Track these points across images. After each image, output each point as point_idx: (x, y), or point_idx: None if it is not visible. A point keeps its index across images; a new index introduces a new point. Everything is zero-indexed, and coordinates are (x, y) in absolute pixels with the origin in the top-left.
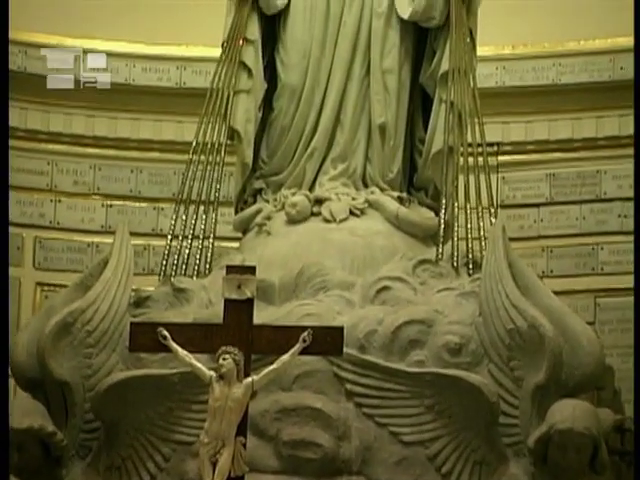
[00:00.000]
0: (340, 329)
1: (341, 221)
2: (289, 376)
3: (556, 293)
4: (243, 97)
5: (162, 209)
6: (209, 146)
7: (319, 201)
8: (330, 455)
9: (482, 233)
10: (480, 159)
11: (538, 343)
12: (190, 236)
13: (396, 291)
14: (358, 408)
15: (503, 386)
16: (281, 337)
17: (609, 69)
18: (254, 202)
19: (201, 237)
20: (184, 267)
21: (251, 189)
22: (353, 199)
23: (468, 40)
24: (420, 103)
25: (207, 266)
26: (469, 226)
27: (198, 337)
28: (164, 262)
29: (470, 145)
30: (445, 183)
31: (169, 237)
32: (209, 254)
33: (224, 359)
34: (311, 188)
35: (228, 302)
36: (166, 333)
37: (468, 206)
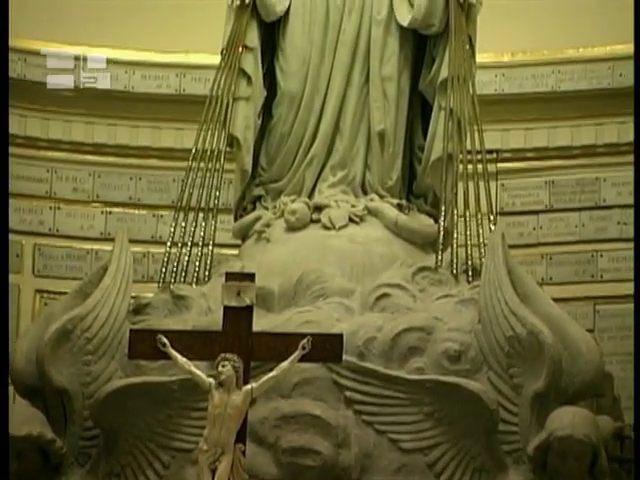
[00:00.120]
0: (339, 336)
1: (340, 228)
2: (288, 383)
3: (555, 300)
4: (242, 104)
5: (161, 216)
6: (208, 153)
7: (318, 208)
8: (329, 462)
9: (481, 240)
10: (479, 166)
11: (537, 350)
12: (189, 243)
13: (395, 298)
14: (357, 415)
15: (502, 393)
16: (280, 344)
17: (608, 76)
18: (253, 209)
19: (200, 244)
20: (183, 274)
21: (250, 196)
22: (352, 206)
23: (467, 47)
24: (419, 110)
25: (206, 273)
26: (468, 233)
27: (197, 344)
28: (163, 269)
29: (469, 152)
30: (444, 190)
31: (168, 244)
32: (208, 261)
33: (223, 366)
34: (310, 195)
35: (227, 309)
36: (165, 340)
37: (467, 213)
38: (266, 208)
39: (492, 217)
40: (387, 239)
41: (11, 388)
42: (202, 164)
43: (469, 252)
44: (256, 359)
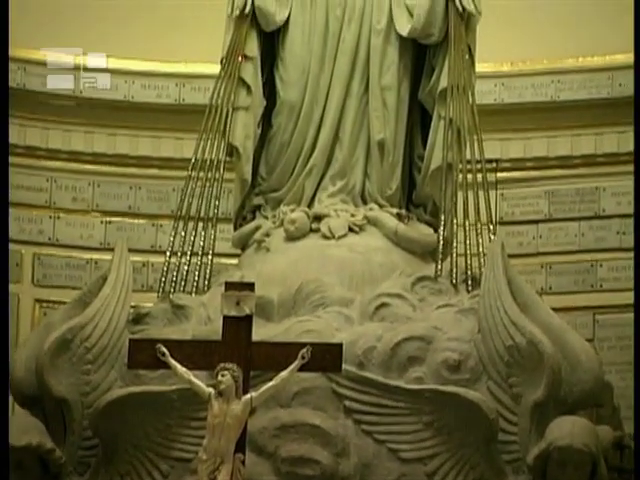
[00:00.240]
0: (339, 346)
1: (340, 237)
2: (288, 393)
3: (555, 310)
4: (242, 114)
5: (161, 226)
6: (208, 163)
7: (318, 217)
8: (329, 472)
9: (481, 250)
10: (479, 176)
11: (537, 360)
12: (189, 253)
13: (395, 308)
14: (357, 425)
15: (502, 403)
16: (280, 354)
17: (608, 86)
18: (253, 218)
19: (200, 254)
20: (183, 284)
21: (250, 205)
22: (352, 215)
23: (467, 57)
24: (419, 119)
25: (206, 283)
26: (468, 243)
27: (197, 354)
28: (163, 279)
29: (469, 162)
30: (444, 200)
31: (168, 254)
32: (208, 271)
33: (223, 376)
34: (310, 204)
35: (227, 319)
36: (165, 350)
37: (467, 223)
38: (266, 217)
39: (492, 227)
40: (387, 248)
41: (11, 398)
42: (202, 174)
43: (469, 261)
44: (255, 368)
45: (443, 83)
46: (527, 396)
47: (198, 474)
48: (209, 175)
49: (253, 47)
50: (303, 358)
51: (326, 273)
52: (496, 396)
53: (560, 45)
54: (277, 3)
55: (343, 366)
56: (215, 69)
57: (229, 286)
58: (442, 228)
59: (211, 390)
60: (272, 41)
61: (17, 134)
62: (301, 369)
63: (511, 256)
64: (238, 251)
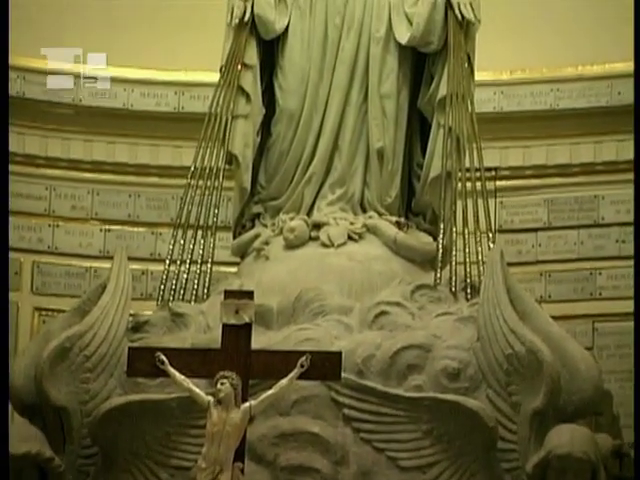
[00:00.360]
0: (338, 354)
1: (339, 246)
2: (287, 401)
3: (554, 318)
4: (241, 122)
5: (160, 234)
6: (207, 171)
7: (317, 226)
8: None
9: (480, 258)
10: (478, 184)
11: (536, 368)
12: (188, 261)
13: (394, 316)
14: (356, 433)
15: (501, 411)
16: (279, 362)
17: (607, 94)
18: (252, 227)
19: (199, 262)
20: (182, 292)
21: (249, 214)
22: (351, 224)
23: (466, 65)
24: (418, 128)
25: (205, 291)
26: (467, 251)
27: (196, 362)
28: (162, 287)
29: (468, 170)
30: (443, 208)
31: (167, 262)
32: (207, 279)
33: (222, 384)
34: (309, 213)
35: (226, 327)
36: (164, 358)
37: (466, 231)
38: (265, 226)
39: (491, 235)
40: (386, 257)
41: (10, 406)
42: (201, 182)
43: (468, 270)
44: (255, 377)
45: (442, 91)
46: (526, 404)
47: None
48: (208, 183)
49: (252, 55)
50: (302, 366)
51: (325, 281)
52: (495, 404)
53: (559, 53)
54: (276, 11)
55: (342, 374)
56: (214, 77)
57: (228, 294)
58: (441, 236)
59: (210, 398)
60: (271, 49)
61: (16, 142)
62: (300, 377)
63: (510, 264)
64: (237, 259)
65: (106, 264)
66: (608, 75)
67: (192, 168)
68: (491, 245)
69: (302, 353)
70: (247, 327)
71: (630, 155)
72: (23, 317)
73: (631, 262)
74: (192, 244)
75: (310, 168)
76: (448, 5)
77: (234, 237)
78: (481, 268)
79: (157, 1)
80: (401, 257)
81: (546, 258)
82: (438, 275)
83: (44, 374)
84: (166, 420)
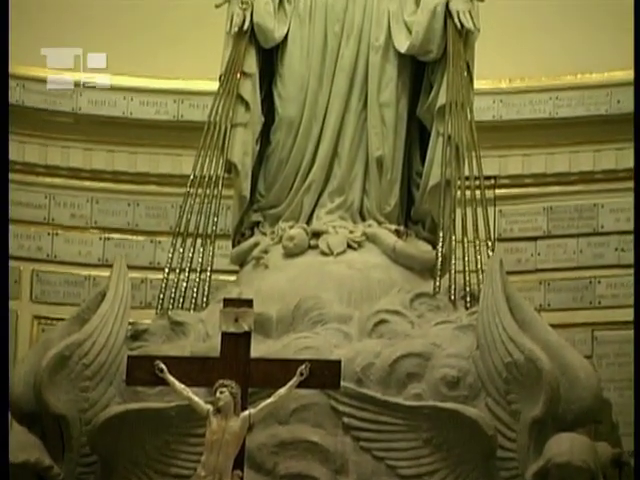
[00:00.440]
0: (337, 362)
1: (338, 254)
2: (286, 409)
3: (553, 326)
4: (240, 130)
5: (159, 242)
6: (206, 179)
7: (316, 234)
8: None
9: (479, 266)
10: (477, 192)
11: (535, 377)
12: (187, 269)
13: (393, 324)
14: (355, 442)
15: (500, 419)
16: (278, 370)
17: (606, 103)
18: (251, 235)
19: (198, 270)
20: (181, 300)
21: (248, 222)
22: (350, 232)
23: (465, 74)
24: (417, 136)
25: (204, 299)
26: (466, 259)
27: (195, 370)
28: (161, 295)
29: (467, 178)
30: (442, 216)
31: (166, 270)
32: (206, 287)
33: (221, 392)
34: (309, 221)
35: (225, 335)
36: (163, 366)
37: (465, 239)
38: (264, 234)
39: (490, 243)
40: (385, 265)
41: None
42: (200, 190)
43: (467, 278)
44: (254, 385)
45: (442, 100)
46: (526, 413)
47: None
48: (207, 192)
49: (252, 64)
50: (301, 375)
51: (325, 290)
52: (495, 413)
53: (558, 62)
54: (276, 20)
55: (342, 383)
56: (214, 86)
57: (227, 303)
58: (441, 245)
59: (209, 407)
60: (271, 58)
61: (16, 151)
62: (300, 386)
63: (509, 273)
64: (236, 268)
65: (105, 272)
66: (607, 83)
67: (191, 176)
68: (490, 253)
69: (301, 361)
70: (246, 335)
71: (629, 163)
72: (22, 325)
73: (630, 270)
74: (191, 252)
75: (309, 176)
76: (447, 14)
77: (233, 245)
78: (480, 276)
79: (157, 10)
80: (400, 265)
81: (545, 266)
82: (437, 283)
83: (43, 382)
84: (165, 428)
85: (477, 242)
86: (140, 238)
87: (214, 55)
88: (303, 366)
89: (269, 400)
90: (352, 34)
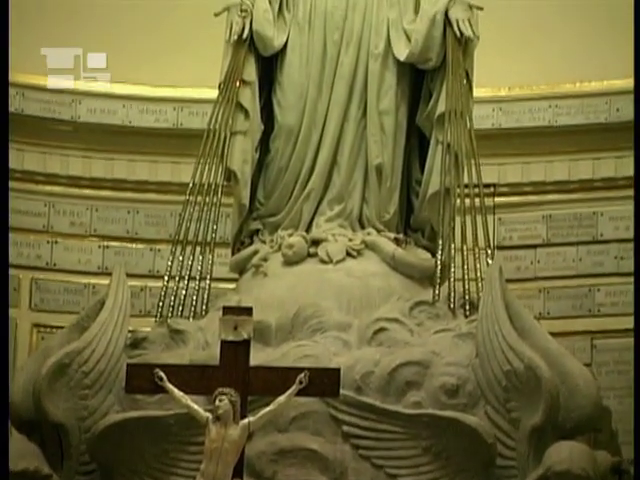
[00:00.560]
0: (337, 370)
1: (338, 262)
2: (286, 417)
3: (553, 334)
4: (240, 138)
5: (159, 250)
6: (206, 187)
7: (316, 242)
8: None
9: (479, 274)
10: (477, 200)
11: (535, 385)
12: (187, 277)
13: (393, 332)
14: (355, 450)
15: (500, 428)
16: (278, 378)
17: (605, 111)
18: (251, 243)
19: (198, 278)
20: (181, 308)
21: (248, 230)
22: (350, 240)
23: (465, 82)
24: (417, 144)
25: (204, 307)
26: (466, 267)
27: (194, 378)
28: (161, 303)
29: (467, 186)
30: (442, 224)
31: (166, 278)
32: (206, 295)
33: (220, 400)
34: (308, 229)
35: (225, 343)
36: (162, 374)
37: (465, 247)
38: (263, 242)
39: (489, 251)
40: (384, 273)
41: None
42: (199, 198)
43: (466, 286)
44: (253, 393)
45: (441, 108)
46: (525, 421)
47: None
48: (207, 200)
49: (251, 72)
50: (301, 383)
51: (324, 298)
52: (494, 421)
53: (558, 70)
54: (275, 28)
55: (341, 391)
56: (213, 94)
57: (227, 311)
58: (440, 253)
59: (209, 415)
60: (270, 66)
61: (15, 159)
62: (299, 394)
63: (509, 281)
64: (236, 276)
65: (105, 280)
66: (606, 92)
67: (191, 184)
68: (490, 261)
69: (301, 369)
70: (246, 343)
71: (628, 172)
72: (22, 334)
73: (629, 279)
74: (191, 260)
75: (309, 184)
76: (447, 22)
77: (233, 253)
78: (480, 284)
79: (156, 18)
80: (400, 273)
81: (545, 274)
82: (437, 291)
83: (42, 390)
84: (164, 437)
85: (476, 250)
86: (139, 246)
87: (214, 63)
88: (302, 374)
89: (268, 408)
90: (351, 42)
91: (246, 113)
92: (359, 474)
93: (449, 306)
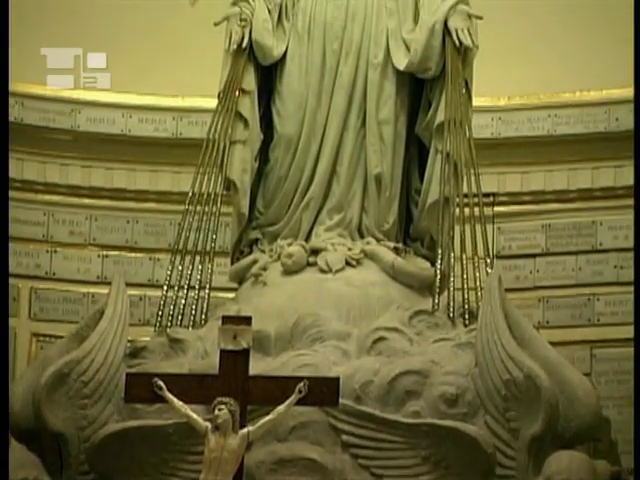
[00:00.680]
0: (336, 380)
1: (337, 271)
2: (285, 427)
3: (552, 344)
4: (239, 148)
5: (158, 260)
6: (205, 196)
7: (315, 251)
8: None
9: (478, 284)
10: (476, 210)
11: (534, 394)
12: (186, 286)
13: (392, 342)
14: (354, 459)
15: (499, 437)
16: (277, 388)
17: (604, 120)
18: (250, 252)
19: (197, 287)
20: (180, 318)
21: (247, 239)
22: (349, 249)
23: (464, 91)
24: (416, 154)
25: (203, 317)
26: (465, 277)
27: (194, 388)
28: (160, 313)
29: (466, 196)
30: (441, 233)
31: (165, 288)
32: (205, 305)
33: (220, 410)
34: (307, 238)
35: (224, 353)
36: (161, 384)
37: (464, 257)
38: (263, 251)
39: (489, 260)
40: (384, 282)
41: None
42: (199, 207)
43: (466, 295)
44: (252, 403)
45: (440, 117)
46: (524, 430)
47: None
48: (206, 209)
49: (250, 81)
50: (300, 392)
51: (323, 307)
52: (493, 430)
53: (557, 79)
54: (274, 37)
55: (340, 400)
56: (212, 103)
57: (226, 320)
58: (439, 262)
59: (208, 424)
60: (269, 75)
61: (15, 168)
62: (298, 403)
63: (508, 290)
64: (235, 285)
65: (104, 290)
66: (606, 101)
67: (190, 194)
68: (489, 271)
69: (300, 379)
70: (245, 353)
71: (628, 181)
72: (21, 343)
73: (629, 288)
74: (190, 270)
75: (308, 193)
76: (446, 31)
77: (232, 263)
78: (479, 294)
79: (155, 27)
80: (399, 283)
81: (544, 284)
82: (436, 301)
83: (42, 400)
84: (164, 446)
85: (476, 259)
86: (139, 255)
87: (213, 72)
88: (302, 383)
89: (268, 417)
90: (351, 52)
91: (245, 122)
92: None
93: (448, 315)
